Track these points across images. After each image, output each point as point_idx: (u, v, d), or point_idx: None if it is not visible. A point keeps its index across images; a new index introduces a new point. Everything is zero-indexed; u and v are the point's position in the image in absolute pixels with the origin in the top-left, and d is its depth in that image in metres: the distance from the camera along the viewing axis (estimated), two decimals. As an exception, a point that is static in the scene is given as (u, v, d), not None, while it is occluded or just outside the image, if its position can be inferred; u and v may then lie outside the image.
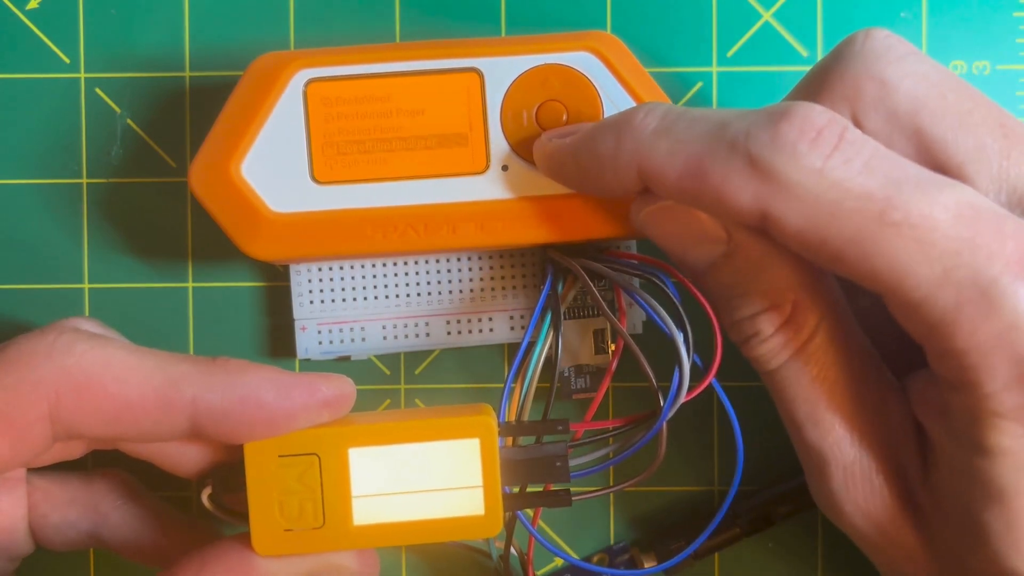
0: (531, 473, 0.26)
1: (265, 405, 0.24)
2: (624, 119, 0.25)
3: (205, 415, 0.24)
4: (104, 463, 0.29)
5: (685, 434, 0.31)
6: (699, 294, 0.26)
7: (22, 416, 0.23)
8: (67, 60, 0.31)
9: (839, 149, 0.22)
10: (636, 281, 0.29)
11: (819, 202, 0.22)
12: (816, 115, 0.22)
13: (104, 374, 0.24)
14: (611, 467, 0.29)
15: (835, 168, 0.22)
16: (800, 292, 0.24)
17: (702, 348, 0.27)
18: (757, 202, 0.22)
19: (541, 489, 0.27)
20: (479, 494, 0.25)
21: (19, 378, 0.23)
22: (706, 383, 0.27)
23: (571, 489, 0.27)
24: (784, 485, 0.31)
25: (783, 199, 0.22)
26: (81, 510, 0.27)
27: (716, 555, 0.31)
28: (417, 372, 0.31)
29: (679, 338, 0.26)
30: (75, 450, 0.26)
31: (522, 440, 0.27)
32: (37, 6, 0.31)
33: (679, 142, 0.23)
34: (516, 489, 0.27)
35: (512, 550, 0.29)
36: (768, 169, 0.22)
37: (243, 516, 0.25)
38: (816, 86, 0.25)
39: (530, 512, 0.28)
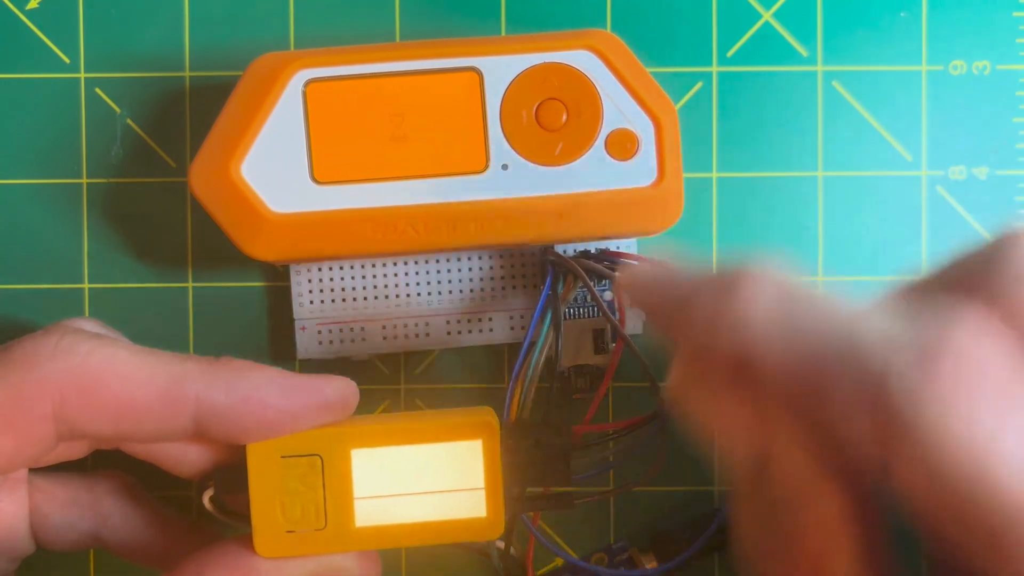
0: (533, 475, 0.26)
1: (269, 405, 0.24)
2: (729, 285, 0.20)
3: (208, 415, 0.24)
4: (105, 464, 0.29)
5: (685, 434, 0.31)
6: None
7: (26, 415, 0.23)
8: (67, 60, 0.31)
9: (1012, 413, 0.17)
10: (636, 281, 0.29)
11: (965, 476, 0.17)
12: (982, 358, 0.17)
13: (108, 374, 0.24)
14: (611, 469, 0.29)
15: (1000, 439, 0.17)
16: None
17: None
18: (878, 449, 0.18)
19: (542, 491, 0.27)
20: (481, 496, 0.25)
21: (23, 378, 0.23)
22: None
23: (573, 492, 0.27)
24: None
25: (914, 460, 0.17)
26: (82, 511, 0.27)
27: (715, 555, 0.31)
28: (417, 372, 0.31)
29: None
30: (78, 450, 0.26)
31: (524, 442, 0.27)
32: (37, 6, 0.31)
33: (796, 342, 0.19)
34: (518, 491, 0.27)
35: (512, 550, 0.29)
36: (908, 422, 0.17)
37: (244, 517, 0.25)
38: (967, 284, 0.19)
39: (530, 512, 0.28)
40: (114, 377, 0.24)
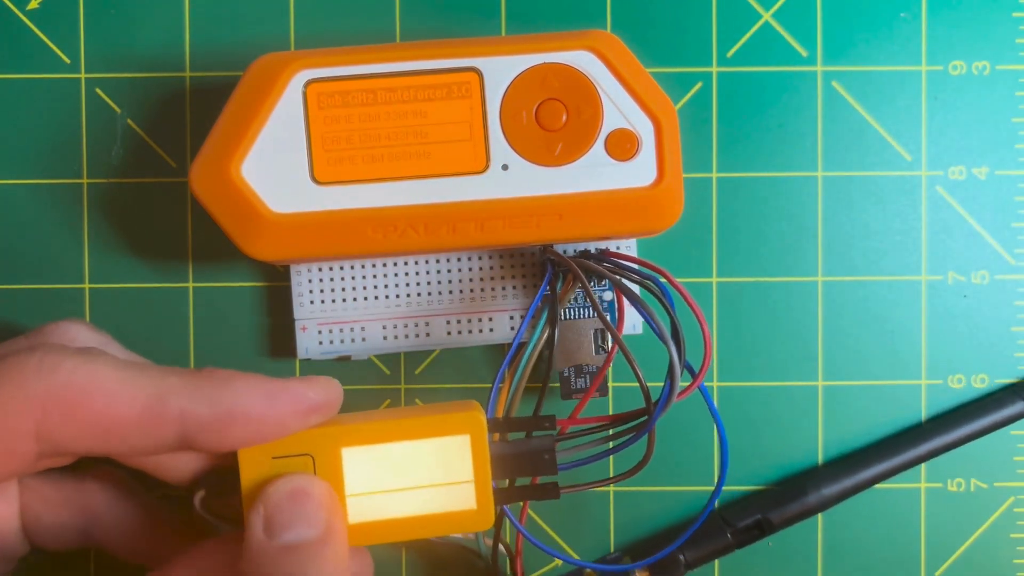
0: (520, 467, 0.26)
1: (253, 416, 0.24)
2: None
3: (194, 428, 0.24)
4: (97, 462, 0.29)
5: (684, 433, 0.31)
6: (692, 300, 0.26)
7: (8, 434, 0.23)
8: (67, 60, 0.31)
9: None
10: (635, 286, 0.29)
11: None
12: None
13: (92, 392, 0.24)
14: (609, 463, 0.29)
15: None
16: None
17: (697, 349, 0.27)
18: None
19: (529, 482, 0.27)
20: (470, 489, 0.25)
21: (6, 396, 0.23)
22: (693, 387, 0.27)
23: (559, 483, 0.27)
24: (779, 492, 0.31)
25: None
26: (74, 510, 0.27)
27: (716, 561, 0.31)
28: (417, 372, 0.31)
29: (672, 349, 0.25)
30: (62, 460, 0.26)
31: (509, 435, 0.27)
32: (37, 6, 0.31)
33: None
34: (505, 483, 0.27)
35: (503, 547, 0.29)
36: None
37: (236, 519, 0.25)
38: None
39: (517, 510, 0.28)
40: (97, 395, 0.24)
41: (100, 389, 0.24)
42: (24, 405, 0.23)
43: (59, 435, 0.24)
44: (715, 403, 0.32)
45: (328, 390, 0.25)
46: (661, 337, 0.25)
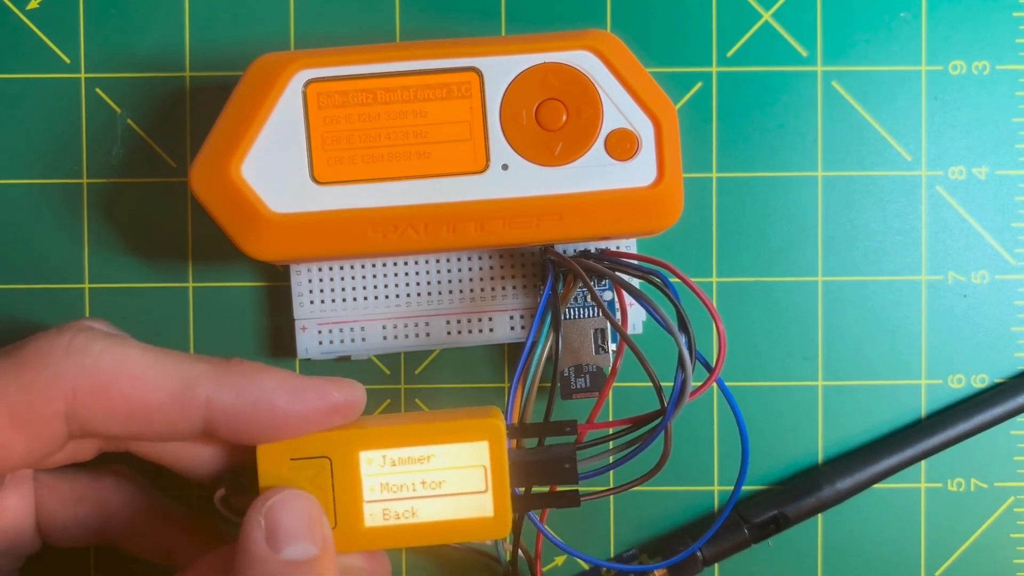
0: (539, 475, 0.26)
1: (278, 408, 0.25)
2: None
3: (219, 416, 0.24)
4: (111, 460, 0.29)
5: (685, 433, 0.31)
6: (700, 291, 0.26)
7: (38, 413, 0.23)
8: (67, 60, 0.31)
9: None
10: (636, 280, 0.29)
11: None
12: None
13: (120, 374, 0.24)
14: (616, 468, 0.29)
15: None
16: None
17: (701, 343, 0.27)
18: None
19: (547, 490, 0.27)
20: (488, 496, 0.25)
21: (36, 376, 0.23)
22: (709, 383, 0.27)
23: (578, 491, 0.27)
24: (794, 487, 0.31)
25: None
26: (89, 508, 0.27)
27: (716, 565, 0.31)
28: (417, 372, 0.31)
29: (681, 340, 0.26)
30: (87, 451, 0.26)
31: (527, 442, 0.27)
32: (37, 6, 0.31)
33: None
34: (524, 491, 0.27)
35: (522, 552, 0.29)
36: None
37: None
38: None
39: (537, 512, 0.28)
40: (126, 377, 0.24)
41: (128, 372, 0.24)
42: (53, 384, 0.23)
43: (88, 416, 0.24)
44: (716, 403, 0.32)
45: (353, 392, 0.26)
46: (668, 329, 0.25)
